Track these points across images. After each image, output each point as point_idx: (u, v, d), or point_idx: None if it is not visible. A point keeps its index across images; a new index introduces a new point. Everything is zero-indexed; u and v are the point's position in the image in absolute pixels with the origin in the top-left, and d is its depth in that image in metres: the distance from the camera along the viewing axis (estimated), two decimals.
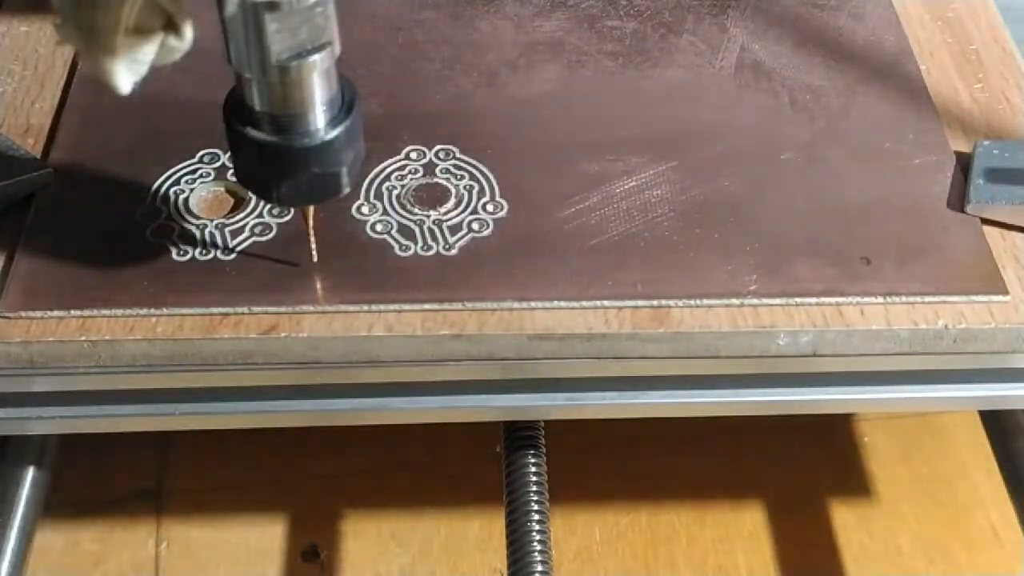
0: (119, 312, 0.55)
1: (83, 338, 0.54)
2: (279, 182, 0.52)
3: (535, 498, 0.61)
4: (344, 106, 0.51)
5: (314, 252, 0.57)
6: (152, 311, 0.55)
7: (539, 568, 0.59)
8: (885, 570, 0.74)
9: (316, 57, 0.48)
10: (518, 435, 0.63)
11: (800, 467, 0.79)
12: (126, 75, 0.45)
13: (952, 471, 0.79)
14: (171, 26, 0.46)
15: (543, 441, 0.63)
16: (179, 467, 0.78)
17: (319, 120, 0.50)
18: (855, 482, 0.78)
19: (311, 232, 0.57)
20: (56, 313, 0.55)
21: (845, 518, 0.76)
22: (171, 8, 0.45)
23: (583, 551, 0.74)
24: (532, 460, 0.62)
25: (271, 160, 0.51)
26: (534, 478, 0.62)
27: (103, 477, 0.77)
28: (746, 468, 0.78)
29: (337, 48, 0.49)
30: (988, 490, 0.77)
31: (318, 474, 0.77)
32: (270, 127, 0.50)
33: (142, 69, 0.46)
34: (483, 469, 0.71)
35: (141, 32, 0.45)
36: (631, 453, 0.78)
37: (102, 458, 0.77)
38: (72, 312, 0.55)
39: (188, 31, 0.46)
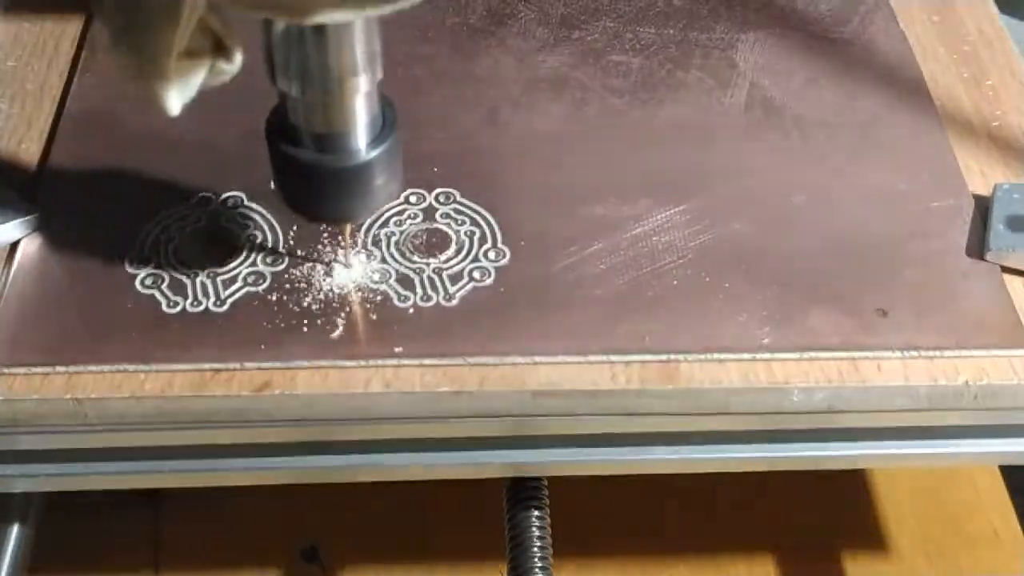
0: (106, 368, 0.53)
1: (68, 396, 0.52)
2: (318, 199, 0.52)
3: (538, 554, 0.59)
4: (385, 127, 0.51)
5: (350, 261, 0.57)
6: (140, 367, 0.53)
7: None
8: (885, 570, 0.73)
9: (360, 78, 0.48)
10: (522, 490, 0.61)
11: (800, 467, 0.78)
12: (177, 98, 0.45)
13: (952, 471, 0.78)
14: (221, 49, 0.46)
15: (547, 496, 0.61)
16: None
17: (360, 140, 0.50)
18: (855, 482, 0.77)
19: (348, 245, 0.57)
20: (41, 369, 0.53)
21: (845, 518, 0.75)
22: (222, 32, 0.45)
23: None
24: (536, 516, 0.60)
25: (310, 178, 0.51)
26: (537, 532, 0.60)
27: None
28: (747, 476, 0.77)
29: (380, 70, 0.49)
30: (988, 490, 0.76)
31: None
32: (311, 146, 0.50)
33: (192, 92, 0.46)
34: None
35: (192, 56, 0.45)
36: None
37: None
38: (58, 368, 0.53)
39: (238, 54, 0.46)
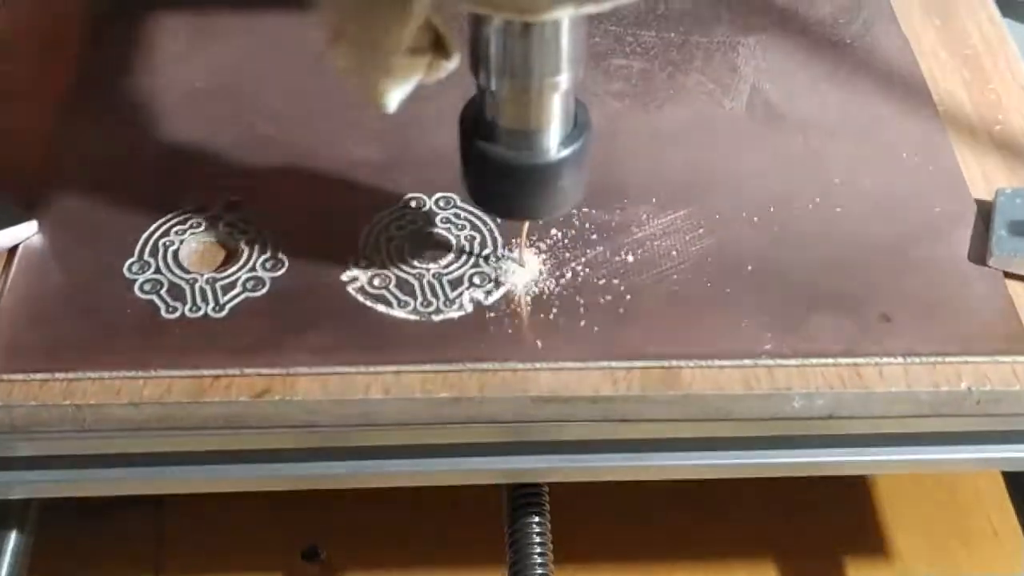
0: (105, 375, 0.53)
1: (67, 402, 0.52)
2: (503, 195, 0.53)
3: (539, 560, 0.59)
4: (576, 128, 0.51)
5: (523, 260, 0.57)
6: (139, 373, 0.53)
7: None
8: (885, 570, 0.73)
9: (560, 77, 0.48)
10: (522, 496, 0.60)
11: (802, 473, 0.78)
12: (396, 95, 0.46)
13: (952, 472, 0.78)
14: (440, 47, 0.46)
15: (547, 502, 0.60)
16: None
17: (552, 139, 0.50)
18: (855, 483, 0.77)
19: (524, 243, 0.57)
20: (39, 376, 0.53)
21: (845, 518, 0.75)
22: (443, 30, 0.45)
23: None
24: (536, 522, 0.60)
25: (497, 173, 0.51)
26: (538, 539, 0.60)
27: None
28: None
29: (581, 70, 0.49)
30: (988, 490, 0.76)
31: None
32: (503, 141, 0.50)
33: (408, 89, 0.46)
34: None
35: (414, 53, 0.45)
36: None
37: None
38: (56, 375, 0.53)
39: (457, 52, 0.46)
